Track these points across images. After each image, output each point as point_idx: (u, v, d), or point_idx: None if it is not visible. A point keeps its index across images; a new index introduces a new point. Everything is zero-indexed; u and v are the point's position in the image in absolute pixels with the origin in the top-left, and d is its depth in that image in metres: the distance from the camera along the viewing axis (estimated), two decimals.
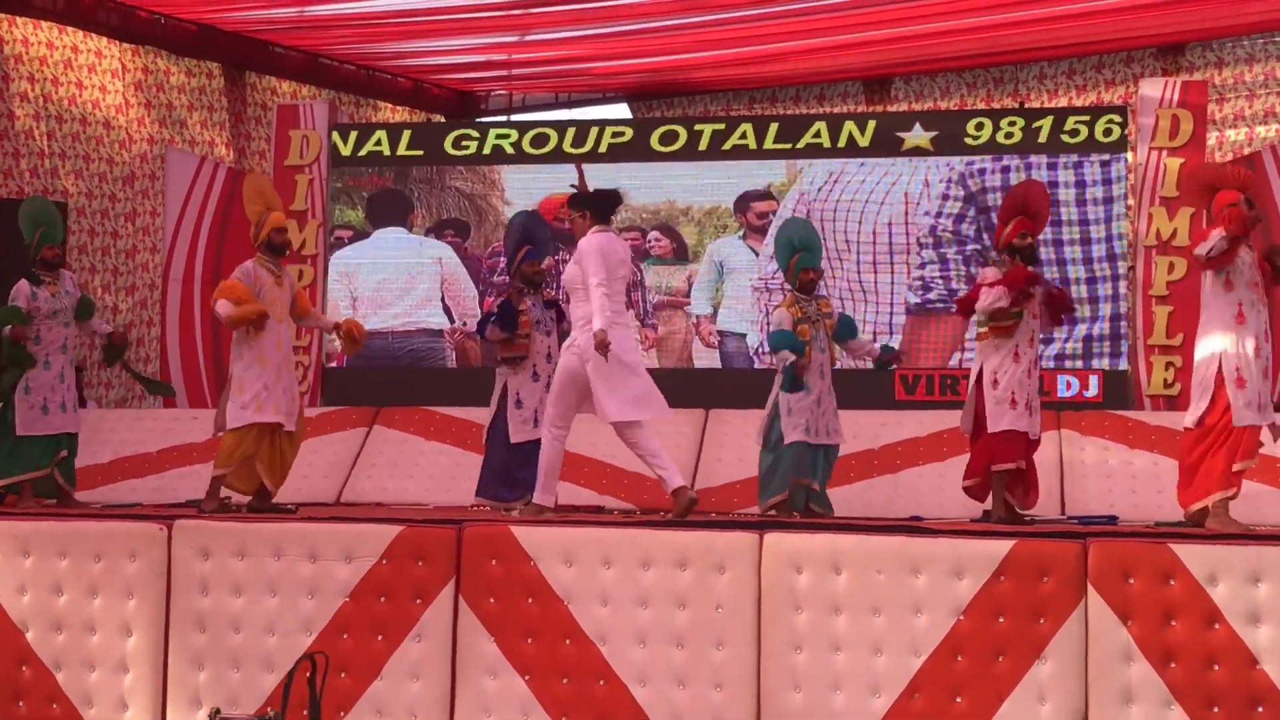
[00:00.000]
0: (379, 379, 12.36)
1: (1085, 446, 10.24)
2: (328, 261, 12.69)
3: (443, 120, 16.24)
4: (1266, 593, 5.68)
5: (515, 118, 16.40)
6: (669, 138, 12.59)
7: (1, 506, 8.64)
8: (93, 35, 13.47)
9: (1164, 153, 11.44)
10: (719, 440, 10.84)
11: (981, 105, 14.34)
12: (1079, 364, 11.31)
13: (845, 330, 9.14)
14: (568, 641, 6.23)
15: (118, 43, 13.68)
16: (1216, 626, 5.70)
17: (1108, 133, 11.67)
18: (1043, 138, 11.84)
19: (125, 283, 13.47)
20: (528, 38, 14.48)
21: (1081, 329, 11.34)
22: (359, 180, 12.84)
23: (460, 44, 14.91)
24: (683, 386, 11.47)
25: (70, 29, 13.28)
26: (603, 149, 12.58)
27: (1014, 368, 8.03)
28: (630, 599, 6.21)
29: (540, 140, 12.67)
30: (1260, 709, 5.63)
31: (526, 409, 8.89)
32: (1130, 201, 11.73)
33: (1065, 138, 11.80)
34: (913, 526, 6.63)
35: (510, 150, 12.67)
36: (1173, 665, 5.72)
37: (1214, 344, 7.43)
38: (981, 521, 8.31)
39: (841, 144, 12.30)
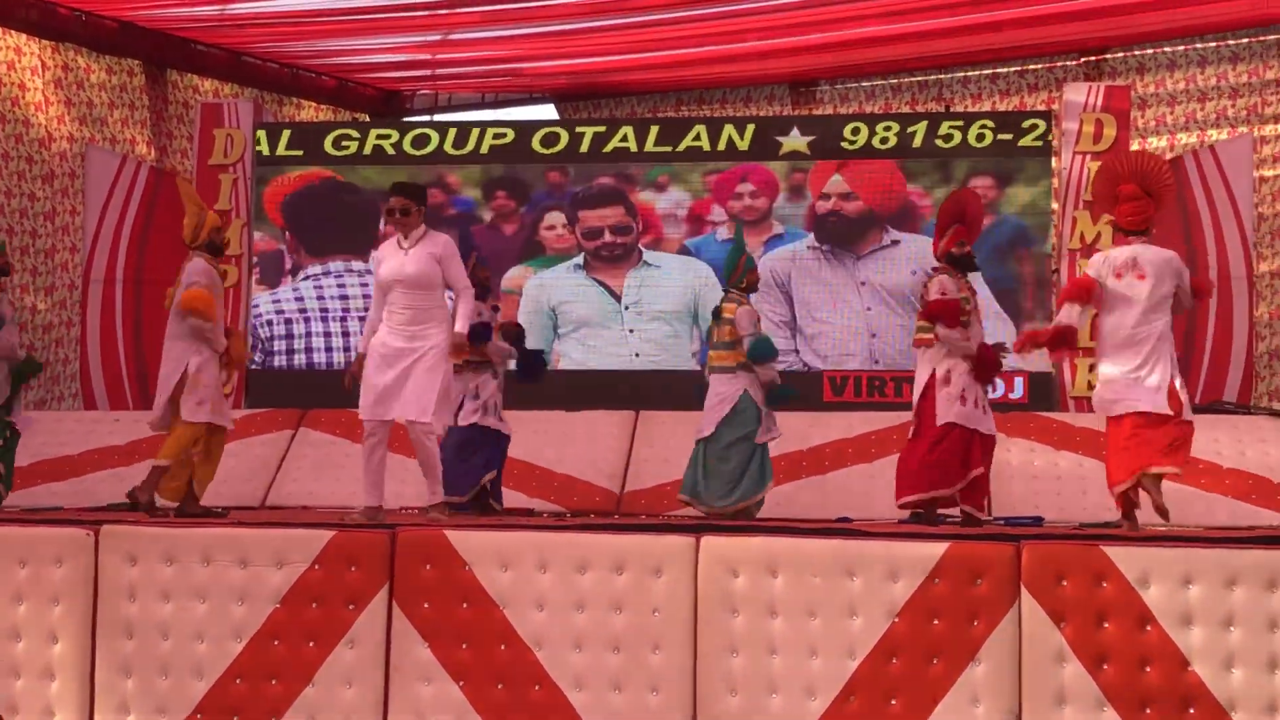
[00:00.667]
0: (305, 380, 12.26)
1: (1011, 448, 10.30)
2: (251, 262, 12.57)
3: (367, 119, 16.13)
4: (1198, 594, 5.73)
5: (439, 117, 16.32)
6: (550, 139, 12.59)
7: None
8: (11, 32, 13.25)
9: (1087, 157, 11.56)
10: (648, 441, 10.82)
11: (907, 109, 14.43)
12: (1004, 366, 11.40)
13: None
14: (503, 646, 6.19)
15: (37, 39, 13.47)
16: (1148, 628, 5.74)
17: (1031, 136, 11.79)
18: (917, 142, 12.02)
19: (44, 283, 13.26)
20: (451, 37, 14.40)
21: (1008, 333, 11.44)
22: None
23: (383, 43, 14.82)
24: (612, 388, 11.51)
25: None
26: (484, 150, 12.56)
27: (963, 367, 8.14)
28: (567, 603, 6.17)
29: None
30: (1192, 710, 5.68)
31: (480, 399, 9.09)
32: (1054, 205, 11.83)
33: (940, 143, 11.93)
34: (848, 529, 6.64)
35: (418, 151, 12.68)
36: (1105, 667, 5.75)
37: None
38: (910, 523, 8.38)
39: (721, 147, 12.36)
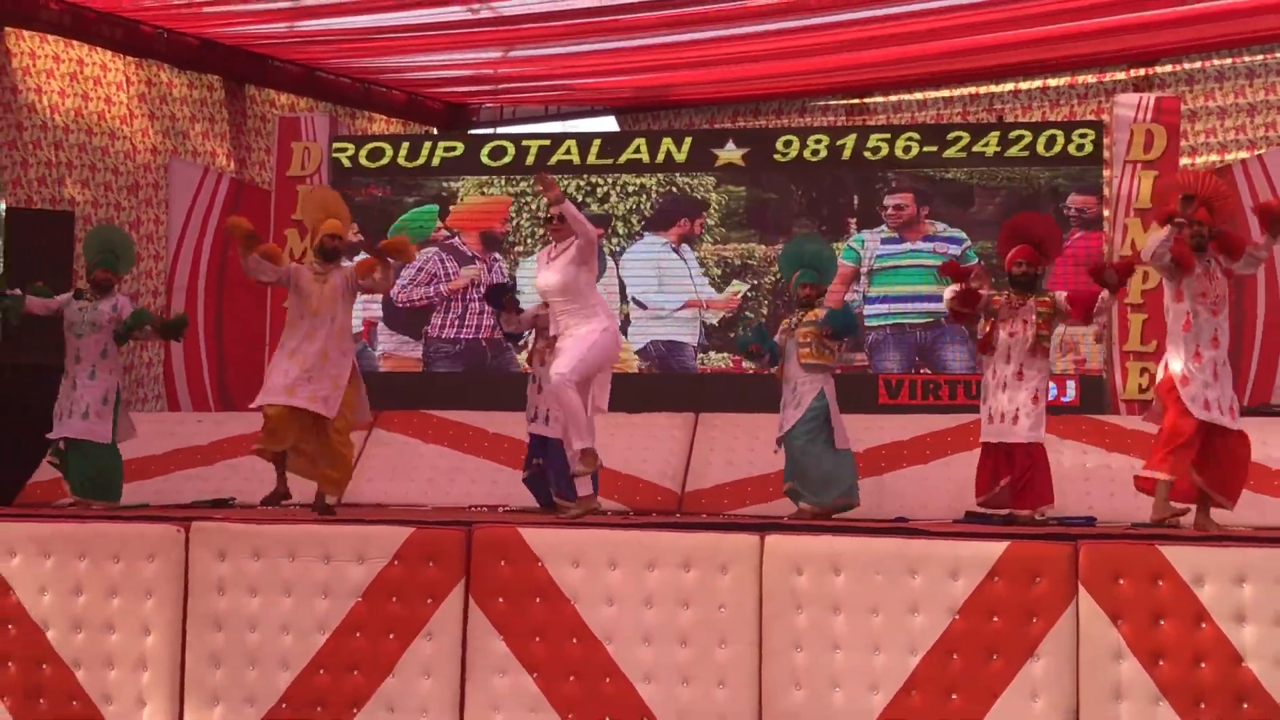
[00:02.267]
0: (378, 383, 12.33)
1: (1064, 450, 10.27)
2: None
3: (435, 132, 16.23)
4: (1251, 593, 5.71)
5: (503, 130, 16.40)
6: (497, 153, 12.66)
7: (27, 509, 8.64)
8: (98, 49, 13.42)
9: (1138, 166, 11.50)
10: (708, 443, 10.84)
11: (959, 119, 14.39)
12: (1057, 369, 11.36)
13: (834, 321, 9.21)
14: (575, 640, 6.22)
15: (122, 56, 13.63)
16: (1203, 626, 5.72)
17: (1080, 148, 11.74)
18: (846, 154, 12.09)
19: (130, 289, 13.39)
20: (511, 54, 14.48)
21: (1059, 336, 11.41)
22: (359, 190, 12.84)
23: (449, 59, 14.90)
24: (673, 391, 11.53)
25: (76, 43, 13.23)
26: (435, 163, 12.79)
27: (991, 382, 8.51)
28: (636, 599, 6.20)
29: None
30: (1245, 705, 5.66)
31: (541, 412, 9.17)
32: (1106, 213, 11.77)
33: (868, 154, 12.07)
34: (909, 529, 6.64)
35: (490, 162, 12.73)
36: (1161, 663, 5.74)
37: (1169, 355, 7.71)
38: (965, 522, 8.40)
39: (660, 160, 12.37)
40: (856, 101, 15.09)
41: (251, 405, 8.35)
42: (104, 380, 9.21)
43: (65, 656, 6.55)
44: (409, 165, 12.82)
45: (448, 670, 6.30)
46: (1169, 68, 13.79)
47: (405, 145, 12.95)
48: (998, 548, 5.97)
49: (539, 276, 7.97)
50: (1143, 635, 5.76)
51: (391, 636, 6.34)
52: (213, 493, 10.44)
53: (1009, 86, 14.45)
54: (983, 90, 14.54)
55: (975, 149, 11.96)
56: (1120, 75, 13.99)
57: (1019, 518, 8.32)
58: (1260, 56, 13.42)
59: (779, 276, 11.57)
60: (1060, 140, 11.78)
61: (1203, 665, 5.71)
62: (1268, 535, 6.77)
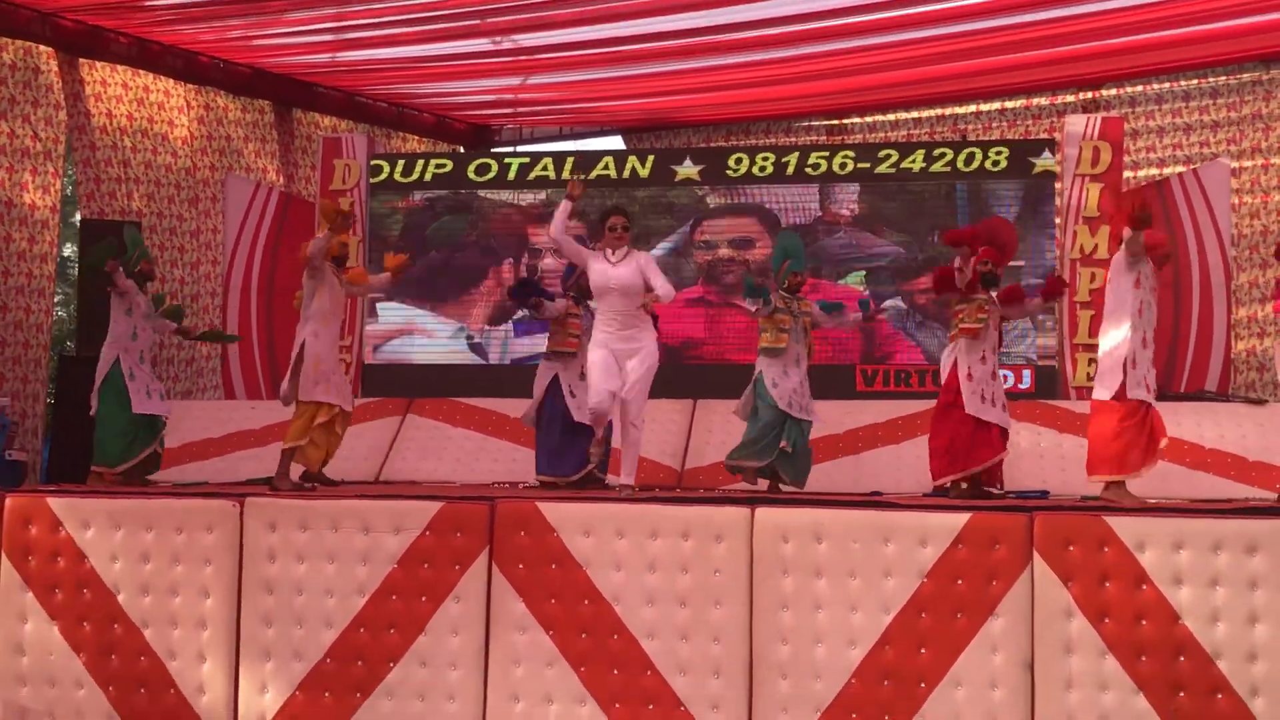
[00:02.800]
0: (412, 373, 12.35)
1: (1020, 431, 10.19)
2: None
3: (461, 150, 16.21)
4: (1187, 558, 5.71)
5: (522, 148, 16.37)
6: (482, 169, 12.63)
7: (97, 485, 8.61)
8: (162, 77, 13.43)
9: (1086, 179, 11.48)
10: (707, 425, 10.83)
11: (926, 138, 14.36)
12: (1014, 359, 11.35)
13: (833, 308, 9.14)
14: (586, 602, 6.22)
15: (183, 84, 13.64)
16: (1144, 587, 5.73)
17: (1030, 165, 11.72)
18: (790, 170, 12.08)
19: (190, 291, 13.42)
20: (528, 81, 14.47)
21: (1014, 329, 11.38)
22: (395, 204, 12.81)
23: (473, 85, 14.89)
24: (675, 379, 11.50)
25: (143, 72, 13.25)
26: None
27: (982, 368, 8.10)
28: (640, 565, 6.21)
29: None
30: (1182, 658, 5.66)
31: (578, 399, 8.93)
32: (1059, 220, 11.76)
33: (809, 170, 12.01)
34: (882, 502, 6.63)
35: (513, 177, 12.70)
36: (1107, 621, 5.74)
37: (1122, 333, 7.46)
38: (934, 496, 8.33)
39: (626, 175, 12.35)
40: (836, 122, 15.08)
41: (325, 398, 8.22)
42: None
43: (134, 617, 6.55)
44: (435, 181, 12.77)
45: (474, 629, 6.31)
46: (1114, 91, 13.79)
47: (434, 163, 12.92)
48: (961, 518, 5.97)
49: (603, 274, 7.70)
50: (1091, 596, 5.76)
51: (423, 599, 6.34)
52: (265, 472, 10.39)
53: (971, 108, 14.44)
54: (948, 111, 14.52)
55: (903, 165, 11.97)
56: (1070, 98, 13.99)
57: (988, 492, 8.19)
58: (1195, 81, 13.43)
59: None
60: (979, 157, 11.81)
61: (1144, 623, 5.71)
62: (1202, 507, 6.74)
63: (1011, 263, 8.70)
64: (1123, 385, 7.35)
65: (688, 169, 12.30)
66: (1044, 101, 14.11)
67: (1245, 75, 13.14)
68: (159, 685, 6.49)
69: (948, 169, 11.86)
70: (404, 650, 6.33)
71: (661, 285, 7.63)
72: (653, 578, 6.19)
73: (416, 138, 16.04)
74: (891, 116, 14.75)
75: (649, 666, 6.12)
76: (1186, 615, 5.67)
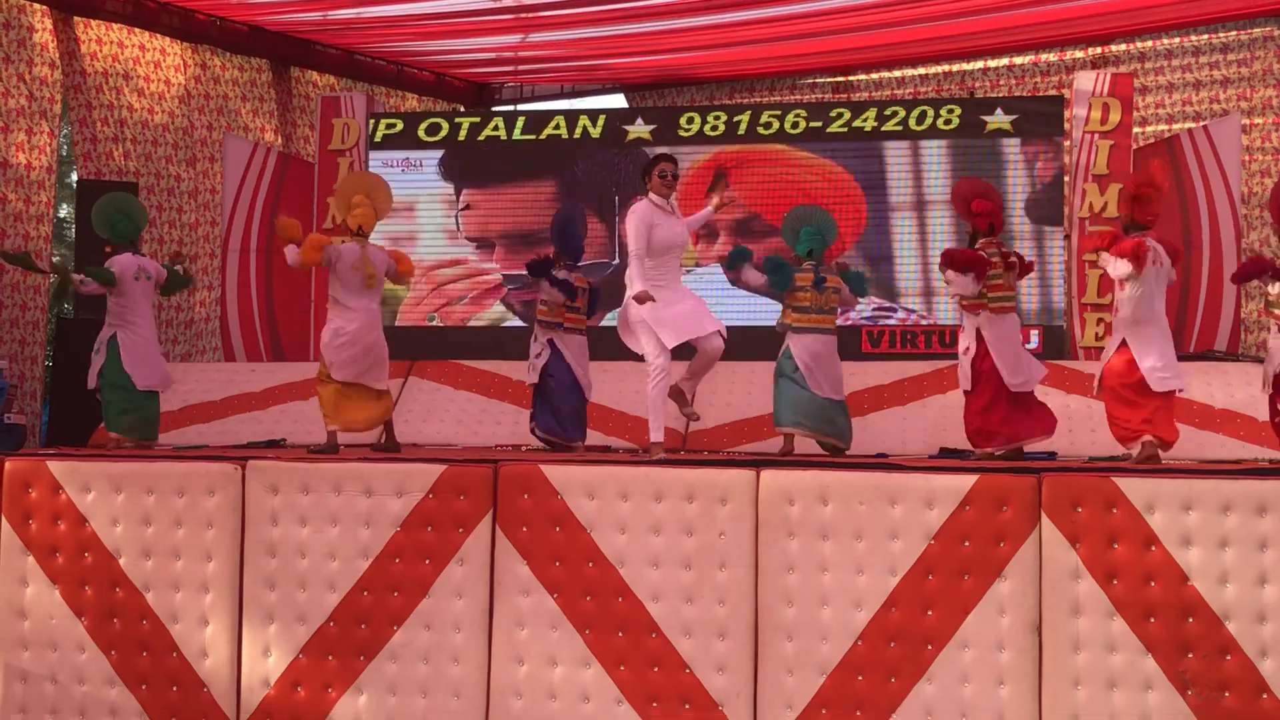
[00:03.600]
0: (413, 336, 12.35)
1: None
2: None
3: (461, 109, 16.15)
4: (1196, 519, 5.71)
5: (522, 106, 16.32)
6: (479, 128, 12.55)
7: (97, 449, 8.63)
8: (157, 35, 13.38)
9: (1095, 136, 11.43)
10: (711, 388, 10.83)
11: (933, 94, 14.30)
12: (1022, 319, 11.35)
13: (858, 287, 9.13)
14: (590, 564, 6.23)
15: (179, 42, 13.59)
16: (1153, 549, 5.73)
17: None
18: (741, 130, 12.15)
19: (189, 252, 13.42)
20: (529, 38, 14.41)
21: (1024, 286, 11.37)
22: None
23: (473, 43, 14.82)
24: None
25: (138, 30, 13.20)
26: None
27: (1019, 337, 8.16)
28: (645, 527, 6.21)
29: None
30: (1190, 620, 5.67)
31: (579, 370, 8.93)
32: (1067, 178, 11.72)
33: (760, 129, 12.03)
34: (890, 463, 6.64)
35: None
36: (1115, 582, 5.75)
37: (1166, 335, 7.57)
38: (939, 457, 8.35)
39: (577, 135, 12.33)
40: (841, 79, 15.00)
41: (380, 385, 8.32)
42: None
43: (136, 580, 6.56)
44: (433, 139, 12.72)
45: (478, 591, 6.32)
46: (1123, 46, 13.71)
47: (433, 121, 12.87)
48: (969, 480, 5.97)
49: (670, 229, 7.67)
50: (1099, 557, 5.77)
51: (427, 562, 6.35)
52: (265, 434, 10.46)
53: (979, 65, 14.37)
54: (955, 68, 14.45)
55: (855, 124, 11.99)
56: (1079, 54, 13.90)
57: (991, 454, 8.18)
58: (1205, 36, 13.34)
59: None
60: (930, 115, 11.81)
61: (1152, 584, 5.72)
62: (1211, 468, 6.75)
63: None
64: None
65: (640, 129, 12.31)
66: (1053, 58, 14.04)
67: (1256, 30, 13.05)
68: (161, 649, 6.50)
69: (899, 128, 11.86)
70: (408, 613, 6.34)
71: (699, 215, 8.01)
72: (657, 540, 6.19)
73: (416, 96, 15.99)
74: (898, 73, 14.67)
75: (654, 629, 6.14)
76: (1195, 576, 5.68)
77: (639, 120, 12.40)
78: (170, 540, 6.56)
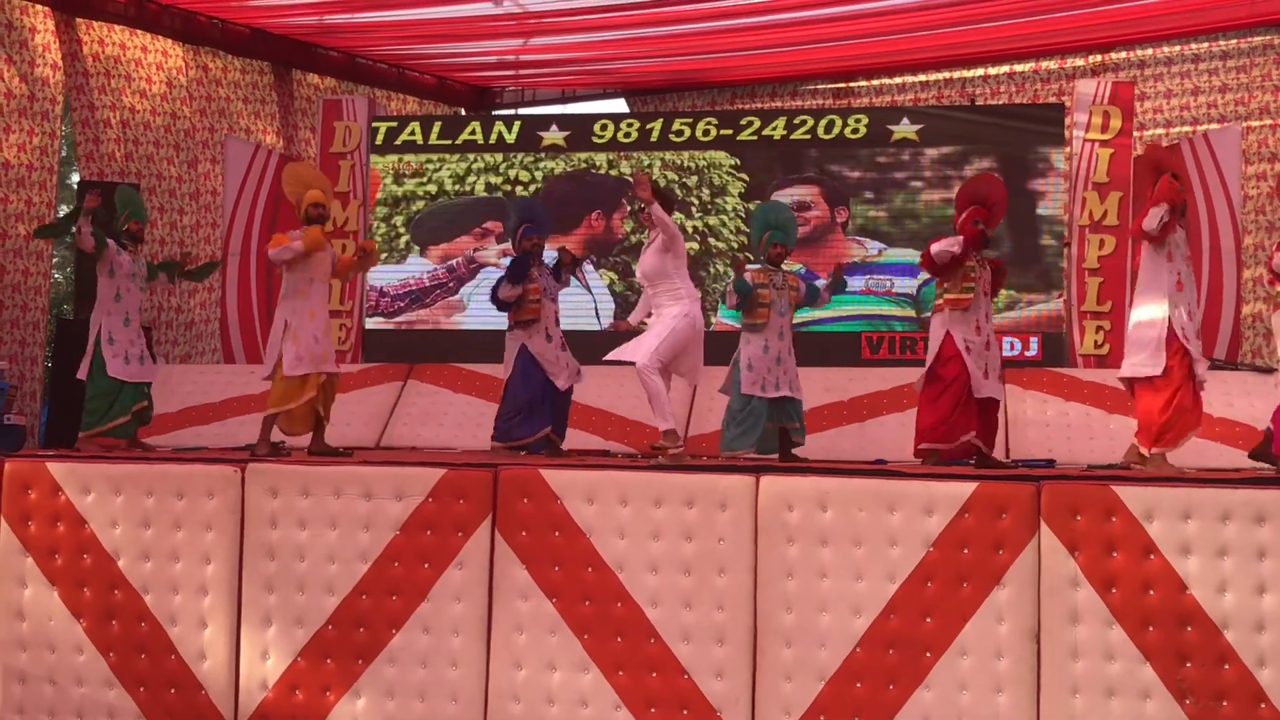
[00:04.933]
0: (413, 339, 12.35)
1: (1026, 399, 10.26)
2: (368, 236, 12.65)
3: (462, 112, 16.16)
4: (1195, 528, 5.70)
5: (523, 111, 16.32)
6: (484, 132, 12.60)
7: (93, 451, 8.60)
8: (159, 37, 13.38)
9: (1096, 144, 11.44)
10: (710, 393, 10.82)
11: (934, 101, 14.31)
12: (1021, 327, 11.35)
13: (811, 296, 9.01)
14: (590, 569, 6.22)
15: (181, 44, 13.60)
16: (1152, 557, 5.71)
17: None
18: (654, 137, 12.35)
19: (192, 253, 13.40)
20: (529, 43, 14.42)
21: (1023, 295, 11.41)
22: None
23: (474, 46, 14.83)
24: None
25: (140, 32, 13.20)
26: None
27: (976, 339, 7.98)
28: (644, 532, 6.20)
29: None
30: (1189, 628, 5.66)
31: (559, 365, 8.83)
32: (1067, 186, 11.72)
33: (673, 137, 12.19)
34: (890, 470, 6.63)
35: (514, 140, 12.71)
36: (1114, 590, 5.73)
37: (1159, 309, 7.45)
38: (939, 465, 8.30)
39: (493, 140, 12.55)
40: (842, 85, 15.01)
41: (296, 372, 7.95)
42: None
43: (135, 582, 6.55)
44: (437, 143, 12.74)
45: (477, 595, 6.31)
46: (1123, 54, 13.73)
47: (437, 125, 12.87)
48: (968, 487, 5.96)
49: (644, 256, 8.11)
50: (1097, 565, 5.75)
51: (426, 565, 6.34)
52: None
53: (980, 72, 14.38)
54: (955, 75, 14.46)
55: (764, 132, 12.23)
56: (1079, 61, 13.92)
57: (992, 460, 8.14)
58: (1205, 44, 13.36)
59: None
60: (839, 124, 11.98)
61: (1151, 592, 5.70)
62: (1210, 476, 6.74)
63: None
64: (1182, 363, 7.37)
65: (554, 135, 12.59)
66: (1053, 65, 14.06)
67: (1256, 39, 13.09)
68: (160, 651, 6.49)
69: (808, 136, 12.03)
70: (406, 617, 6.32)
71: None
72: (657, 545, 6.18)
73: (417, 99, 15.99)
74: (899, 80, 14.68)
75: (652, 634, 6.12)
76: (1194, 585, 5.66)
77: (553, 127, 12.52)
78: (169, 542, 6.55)
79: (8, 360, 11.83)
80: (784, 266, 8.75)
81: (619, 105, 16.08)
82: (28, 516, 6.66)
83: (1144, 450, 7.52)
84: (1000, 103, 13.86)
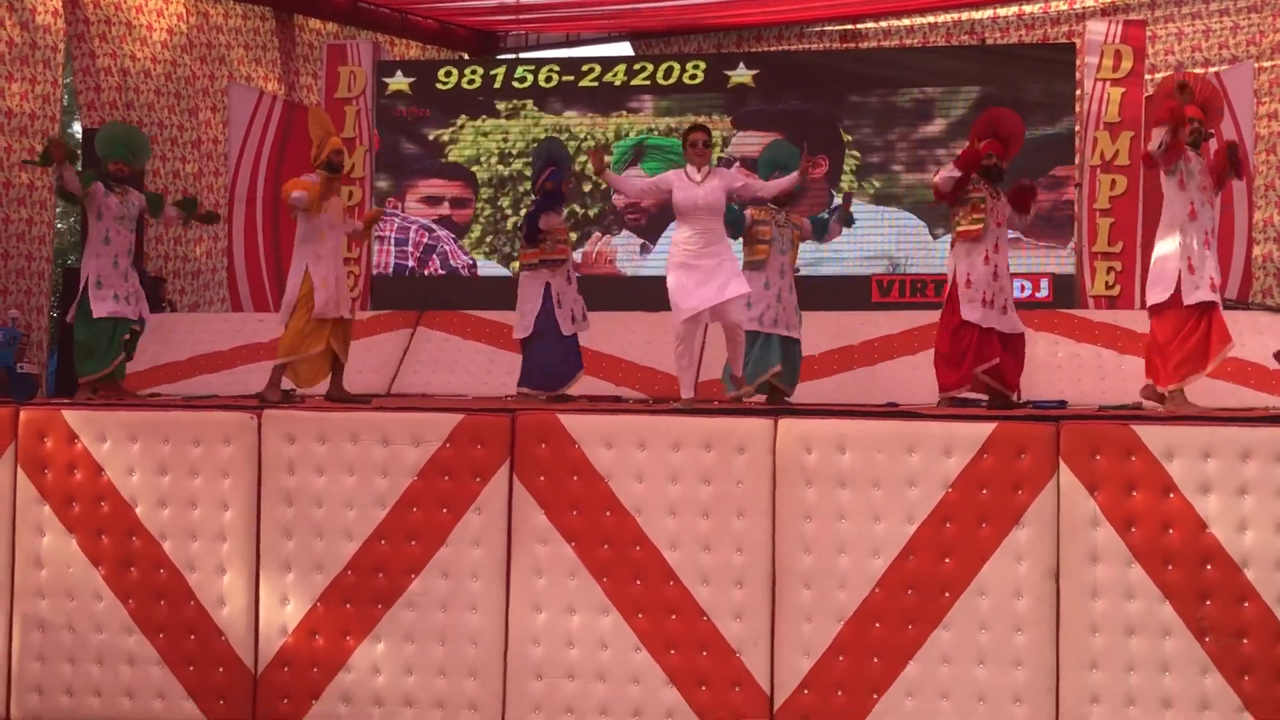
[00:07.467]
0: (422, 286, 12.32)
1: (1038, 341, 10.22)
2: (374, 183, 12.60)
3: (466, 57, 16.04)
4: (1215, 467, 5.70)
5: (526, 55, 16.21)
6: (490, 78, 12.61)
7: (99, 398, 8.56)
8: None
9: (1107, 84, 11.37)
10: (716, 340, 10.81)
11: (942, 43, 14.21)
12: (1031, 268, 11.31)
13: (819, 230, 9.00)
14: (608, 513, 6.22)
15: None
16: (1172, 496, 5.72)
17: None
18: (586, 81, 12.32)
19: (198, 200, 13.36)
20: None
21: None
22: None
23: None
24: None
25: None
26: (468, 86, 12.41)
27: (983, 269, 7.95)
28: (662, 476, 6.20)
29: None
30: (1209, 567, 5.68)
31: (565, 308, 8.86)
32: (1078, 127, 11.66)
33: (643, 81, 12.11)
34: (906, 412, 6.62)
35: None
36: (1133, 530, 5.74)
37: (1173, 240, 7.39)
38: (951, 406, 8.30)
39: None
40: (850, 27, 14.90)
41: (326, 315, 8.07)
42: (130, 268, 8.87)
43: (152, 530, 6.55)
44: (441, 88, 12.66)
45: (495, 540, 6.32)
46: None
47: (440, 70, 12.79)
48: (987, 428, 5.95)
49: (689, 193, 7.63)
50: (1117, 505, 5.76)
51: (445, 511, 6.34)
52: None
53: (989, 14, 14.27)
54: (964, 17, 14.35)
55: (605, 79, 12.30)
56: (1090, 2, 13.80)
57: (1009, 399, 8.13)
58: None
59: None
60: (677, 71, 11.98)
61: (1170, 531, 5.72)
62: (1232, 415, 6.74)
63: None
64: (1178, 292, 7.29)
65: (399, 80, 12.65)
66: (1063, 6, 13.94)
67: None
68: (179, 598, 6.50)
69: (647, 83, 12.13)
70: (425, 562, 6.33)
71: (764, 185, 7.89)
72: (675, 489, 6.18)
73: (419, 44, 15.88)
74: (907, 22, 14.57)
75: (671, 577, 6.13)
76: (1214, 524, 5.67)
77: (399, 73, 12.50)
78: (187, 489, 6.55)
79: (18, 309, 11.81)
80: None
81: (624, 49, 15.98)
82: (44, 465, 6.66)
83: (1161, 388, 7.49)
84: (1010, 43, 13.75)
